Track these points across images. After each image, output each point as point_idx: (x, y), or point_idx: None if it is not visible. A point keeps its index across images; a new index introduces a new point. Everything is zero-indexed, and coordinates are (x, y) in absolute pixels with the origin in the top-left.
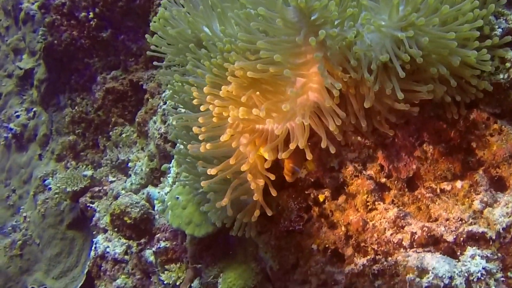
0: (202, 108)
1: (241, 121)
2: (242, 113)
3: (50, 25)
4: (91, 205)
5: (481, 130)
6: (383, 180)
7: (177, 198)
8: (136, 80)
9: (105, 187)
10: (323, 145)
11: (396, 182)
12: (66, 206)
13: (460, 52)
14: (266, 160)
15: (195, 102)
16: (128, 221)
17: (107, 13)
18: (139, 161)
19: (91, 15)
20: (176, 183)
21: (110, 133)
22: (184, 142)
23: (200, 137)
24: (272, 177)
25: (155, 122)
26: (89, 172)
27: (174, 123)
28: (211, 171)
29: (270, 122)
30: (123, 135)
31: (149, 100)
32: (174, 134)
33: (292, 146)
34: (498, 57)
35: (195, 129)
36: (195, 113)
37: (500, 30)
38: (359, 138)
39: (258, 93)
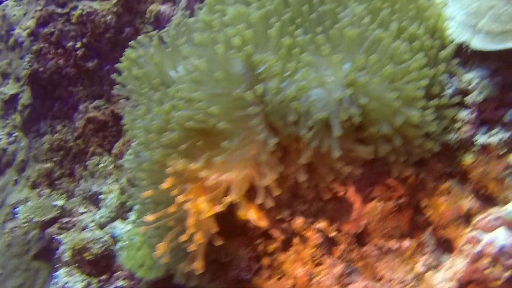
0: (146, 154)
1: (182, 170)
2: (180, 166)
3: (37, 53)
4: (57, 236)
5: (430, 190)
6: (333, 234)
7: (133, 239)
8: (118, 111)
9: (74, 219)
10: (259, 200)
11: (345, 237)
12: (34, 235)
13: (404, 111)
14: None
15: (140, 148)
16: (89, 257)
17: (94, 43)
18: (111, 194)
19: (79, 44)
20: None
21: (88, 162)
22: (136, 183)
23: (144, 183)
24: (215, 229)
25: (130, 155)
26: (60, 202)
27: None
28: (148, 218)
29: (203, 174)
30: (100, 165)
31: (128, 131)
32: (133, 174)
33: (226, 200)
34: (449, 117)
35: (138, 175)
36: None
37: (452, 89)
38: (310, 190)
39: (200, 143)
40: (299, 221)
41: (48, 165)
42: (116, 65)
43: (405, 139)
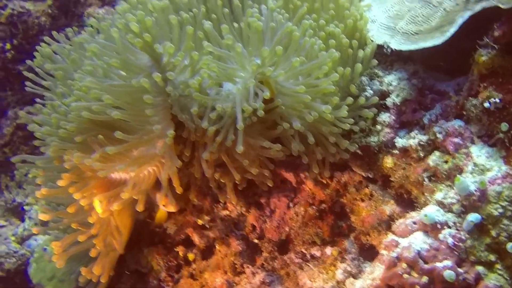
0: (42, 149)
1: (79, 166)
2: (76, 158)
3: None
4: None
5: (352, 194)
6: (255, 241)
7: (45, 249)
8: None
9: None
10: (162, 194)
11: (267, 244)
12: None
13: (315, 107)
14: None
15: (36, 143)
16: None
17: (26, 46)
18: (36, 205)
19: (8, 46)
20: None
21: (15, 172)
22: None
23: (37, 181)
24: (125, 234)
25: None
26: None
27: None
28: (42, 216)
29: (96, 167)
30: (29, 175)
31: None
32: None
33: (123, 196)
34: (370, 119)
35: (32, 172)
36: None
37: (371, 91)
38: (232, 194)
39: (101, 136)
40: (220, 227)
41: None
42: (27, 61)
43: (319, 137)
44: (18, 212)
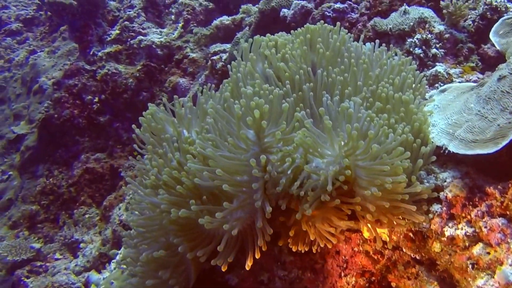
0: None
1: None
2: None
3: (57, 101)
4: (25, 280)
5: (400, 272)
6: None
7: (112, 283)
8: (117, 166)
9: (48, 264)
10: (247, 264)
11: None
12: None
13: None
14: None
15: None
16: None
17: (111, 101)
18: (92, 244)
19: (96, 99)
20: (116, 268)
21: (75, 211)
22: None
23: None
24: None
25: (119, 209)
26: (37, 245)
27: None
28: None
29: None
30: (86, 216)
31: (122, 187)
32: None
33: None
34: (423, 208)
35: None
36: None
37: (427, 184)
38: (291, 257)
39: (205, 197)
40: (277, 285)
41: (34, 207)
42: (140, 118)
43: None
44: (72, 248)
